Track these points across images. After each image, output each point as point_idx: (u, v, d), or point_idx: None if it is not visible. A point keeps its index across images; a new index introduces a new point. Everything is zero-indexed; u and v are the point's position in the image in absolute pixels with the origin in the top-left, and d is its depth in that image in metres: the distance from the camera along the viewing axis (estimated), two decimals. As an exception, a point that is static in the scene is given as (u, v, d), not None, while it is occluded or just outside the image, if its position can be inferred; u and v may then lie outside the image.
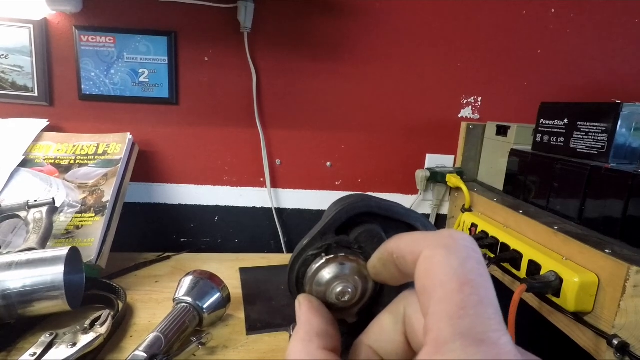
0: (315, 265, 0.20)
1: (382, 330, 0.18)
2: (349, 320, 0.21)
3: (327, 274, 0.19)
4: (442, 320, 0.13)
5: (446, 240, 0.15)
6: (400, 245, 0.16)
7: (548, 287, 0.54)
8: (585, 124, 0.63)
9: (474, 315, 0.13)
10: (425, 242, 0.15)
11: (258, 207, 0.92)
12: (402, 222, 0.21)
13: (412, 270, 0.15)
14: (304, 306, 0.19)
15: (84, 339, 0.48)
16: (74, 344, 0.47)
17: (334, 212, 0.20)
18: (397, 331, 0.17)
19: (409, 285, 0.19)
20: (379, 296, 0.21)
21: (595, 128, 0.62)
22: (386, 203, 0.20)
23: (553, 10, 0.89)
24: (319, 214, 0.93)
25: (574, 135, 0.65)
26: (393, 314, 0.18)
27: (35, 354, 0.45)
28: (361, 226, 0.20)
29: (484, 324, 0.13)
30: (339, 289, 0.19)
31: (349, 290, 0.19)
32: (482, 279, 0.14)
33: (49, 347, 0.47)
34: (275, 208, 0.91)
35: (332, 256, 0.19)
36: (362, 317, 0.21)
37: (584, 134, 0.64)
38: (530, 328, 0.63)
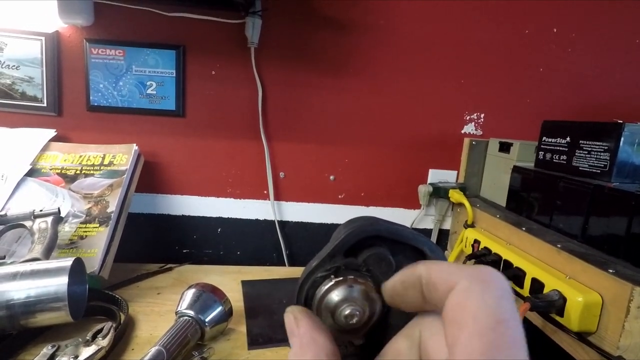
0: (324, 287, 0.20)
1: (398, 353, 0.18)
2: (356, 342, 0.21)
3: (335, 296, 0.20)
4: (473, 356, 0.13)
5: (484, 276, 0.15)
6: (432, 272, 0.16)
7: (552, 306, 0.54)
8: (587, 142, 0.64)
9: (506, 357, 0.13)
10: (461, 274, 0.15)
11: (261, 219, 0.92)
12: (410, 245, 0.21)
13: (440, 299, 0.15)
14: (304, 323, 0.18)
15: (86, 352, 0.48)
16: (76, 357, 0.47)
17: (343, 235, 0.20)
18: (412, 355, 0.17)
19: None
20: (386, 318, 0.21)
21: (597, 147, 0.62)
22: (394, 227, 0.21)
23: (555, 30, 0.90)
24: (321, 227, 0.94)
25: (577, 154, 0.66)
26: (408, 338, 0.18)
27: (37, 366, 0.45)
28: (370, 249, 0.21)
29: None
30: (347, 312, 0.19)
31: (357, 312, 0.19)
32: (515, 320, 0.14)
33: (50, 359, 0.47)
34: (278, 220, 0.91)
35: (341, 278, 0.20)
36: (369, 339, 0.21)
37: (586, 152, 0.64)
38: (533, 347, 0.62)
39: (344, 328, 0.20)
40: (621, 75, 0.93)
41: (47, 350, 0.47)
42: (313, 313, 0.19)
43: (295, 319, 0.18)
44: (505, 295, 0.14)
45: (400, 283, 0.18)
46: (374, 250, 0.21)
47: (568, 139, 0.68)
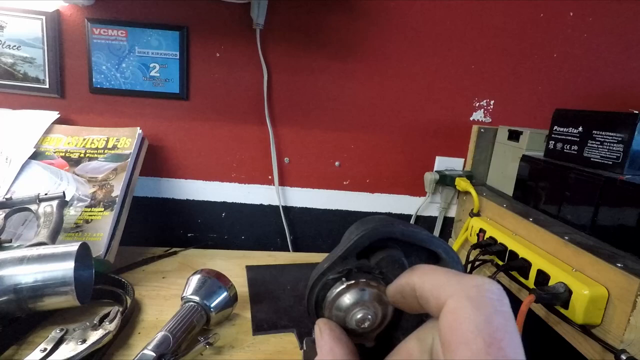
0: (335, 290, 0.19)
1: (409, 355, 0.18)
2: (367, 345, 0.20)
3: (347, 299, 0.19)
4: None
5: (472, 292, 0.14)
6: (424, 285, 0.16)
7: (557, 298, 0.54)
8: (600, 133, 0.62)
9: None
10: (450, 290, 0.15)
11: (265, 204, 0.92)
12: (424, 247, 0.20)
13: (435, 312, 0.15)
14: (325, 334, 0.19)
15: (94, 336, 0.48)
16: (84, 341, 0.47)
17: (356, 237, 0.20)
18: (423, 358, 0.17)
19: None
20: (398, 320, 0.21)
21: (610, 138, 0.61)
22: (409, 229, 0.20)
23: (571, 14, 0.87)
24: (326, 213, 0.93)
25: (589, 144, 0.64)
26: (421, 341, 0.18)
27: (45, 349, 0.46)
28: (382, 251, 0.20)
29: None
30: (359, 316, 0.19)
31: (369, 317, 0.19)
32: (509, 338, 0.13)
33: (59, 342, 0.47)
34: (283, 206, 0.91)
35: (352, 282, 0.19)
36: (380, 342, 0.21)
37: (598, 143, 0.63)
38: (535, 337, 0.63)
39: (356, 331, 0.19)
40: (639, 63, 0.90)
41: (55, 334, 0.48)
42: (337, 326, 0.19)
43: (319, 330, 0.19)
44: (497, 309, 0.14)
45: (397, 292, 0.18)
46: (387, 253, 0.20)
47: (580, 128, 0.66)
